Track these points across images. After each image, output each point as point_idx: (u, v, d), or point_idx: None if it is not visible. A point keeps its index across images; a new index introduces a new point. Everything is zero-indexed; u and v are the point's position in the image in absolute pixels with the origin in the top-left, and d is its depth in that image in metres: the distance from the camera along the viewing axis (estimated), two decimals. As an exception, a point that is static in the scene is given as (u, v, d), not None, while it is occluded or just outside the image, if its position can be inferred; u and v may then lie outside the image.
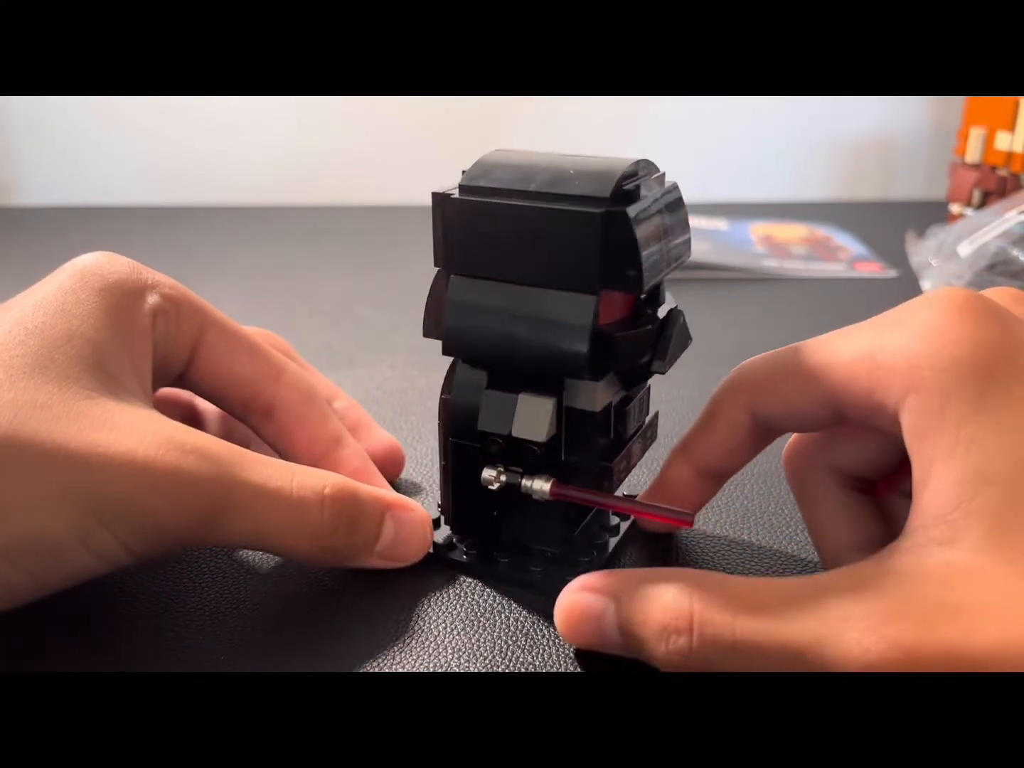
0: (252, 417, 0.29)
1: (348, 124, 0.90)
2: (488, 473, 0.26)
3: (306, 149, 0.90)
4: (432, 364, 0.46)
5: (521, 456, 0.26)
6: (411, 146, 0.89)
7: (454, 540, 0.29)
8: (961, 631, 0.17)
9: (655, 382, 0.44)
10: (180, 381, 0.28)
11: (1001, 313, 0.20)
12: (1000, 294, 0.23)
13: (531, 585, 0.27)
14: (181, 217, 0.81)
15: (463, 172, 0.25)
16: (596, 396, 0.25)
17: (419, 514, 0.27)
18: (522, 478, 0.26)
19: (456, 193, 0.25)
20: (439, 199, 0.25)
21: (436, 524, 0.29)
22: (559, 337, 0.24)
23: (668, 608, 0.21)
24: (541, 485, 0.26)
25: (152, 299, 0.26)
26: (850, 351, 0.22)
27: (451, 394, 0.27)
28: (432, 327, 0.27)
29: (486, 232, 0.24)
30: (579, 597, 0.23)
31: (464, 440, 0.27)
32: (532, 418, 0.25)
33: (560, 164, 0.25)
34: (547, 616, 0.26)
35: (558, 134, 0.89)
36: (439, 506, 0.29)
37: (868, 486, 0.26)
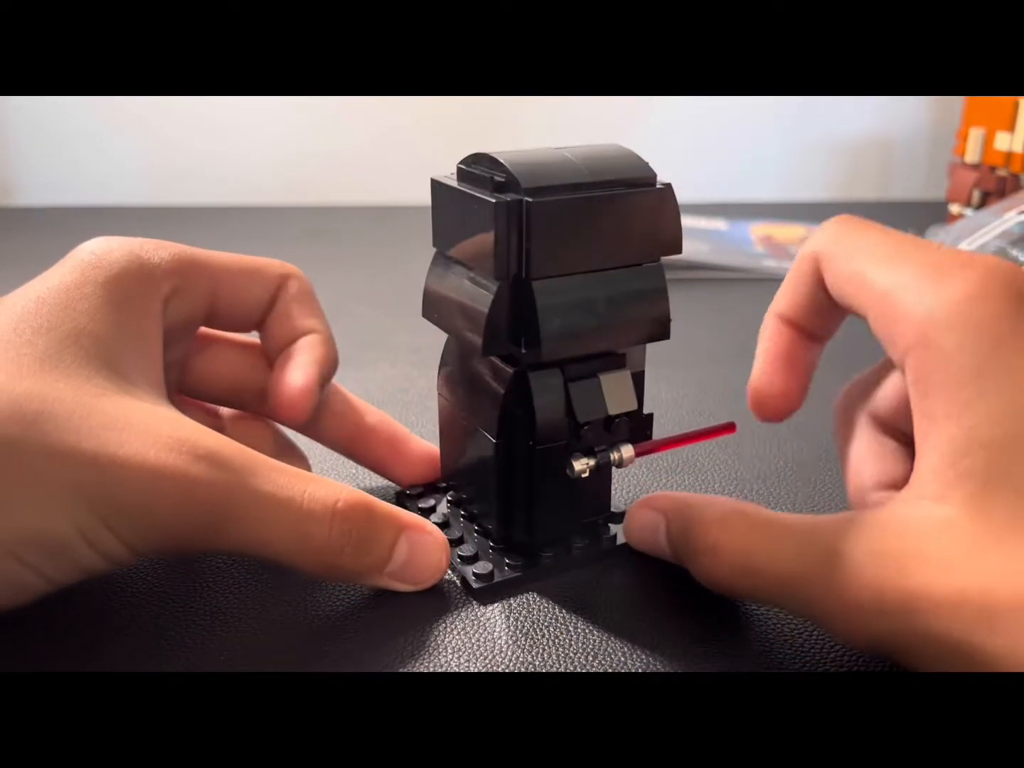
0: (262, 329, 0.30)
1: (348, 124, 0.90)
2: (580, 464, 0.27)
3: (306, 149, 0.91)
4: (432, 364, 0.46)
5: (599, 435, 0.27)
6: (411, 146, 0.89)
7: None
8: (926, 580, 0.18)
9: (657, 382, 0.44)
10: (203, 336, 0.29)
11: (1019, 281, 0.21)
12: None
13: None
14: (181, 217, 0.81)
15: (495, 179, 0.24)
16: (644, 356, 0.28)
17: (436, 537, 0.26)
18: (611, 453, 0.27)
19: (528, 197, 0.24)
20: (510, 206, 0.24)
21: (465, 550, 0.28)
22: (646, 308, 0.26)
23: (696, 533, 0.24)
24: (628, 451, 0.27)
25: (160, 284, 0.26)
26: (884, 280, 0.22)
27: (536, 402, 0.26)
28: (494, 343, 0.25)
29: (567, 229, 0.25)
30: (639, 512, 0.27)
31: (552, 443, 0.26)
32: (621, 393, 0.27)
33: (577, 155, 0.26)
34: (547, 616, 0.26)
35: (558, 134, 0.89)
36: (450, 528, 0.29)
37: (900, 434, 0.26)
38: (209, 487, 0.22)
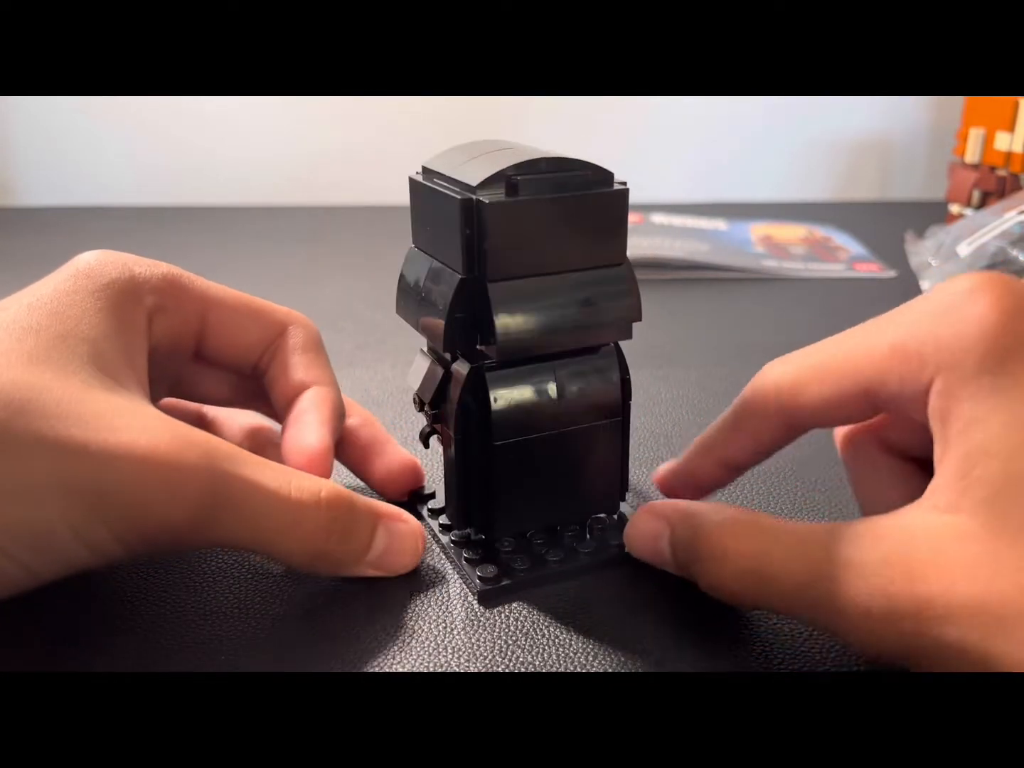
0: (262, 377, 0.29)
1: (348, 124, 0.90)
2: None
3: (306, 149, 0.91)
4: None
5: None
6: (411, 146, 0.89)
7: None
8: (941, 587, 0.18)
9: (656, 382, 0.44)
10: (196, 358, 0.29)
11: (1022, 293, 0.21)
12: None
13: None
14: (181, 217, 0.81)
15: (588, 177, 0.25)
16: None
17: (411, 525, 0.27)
18: None
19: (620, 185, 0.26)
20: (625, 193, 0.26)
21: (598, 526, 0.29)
22: None
23: (705, 537, 0.23)
24: None
25: (147, 298, 0.26)
26: (882, 344, 0.23)
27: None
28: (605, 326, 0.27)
29: None
30: (642, 520, 0.26)
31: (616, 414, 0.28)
32: None
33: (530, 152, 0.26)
34: (547, 616, 0.26)
35: (558, 133, 0.89)
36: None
37: (917, 459, 0.26)
38: (201, 473, 0.22)
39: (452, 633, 0.25)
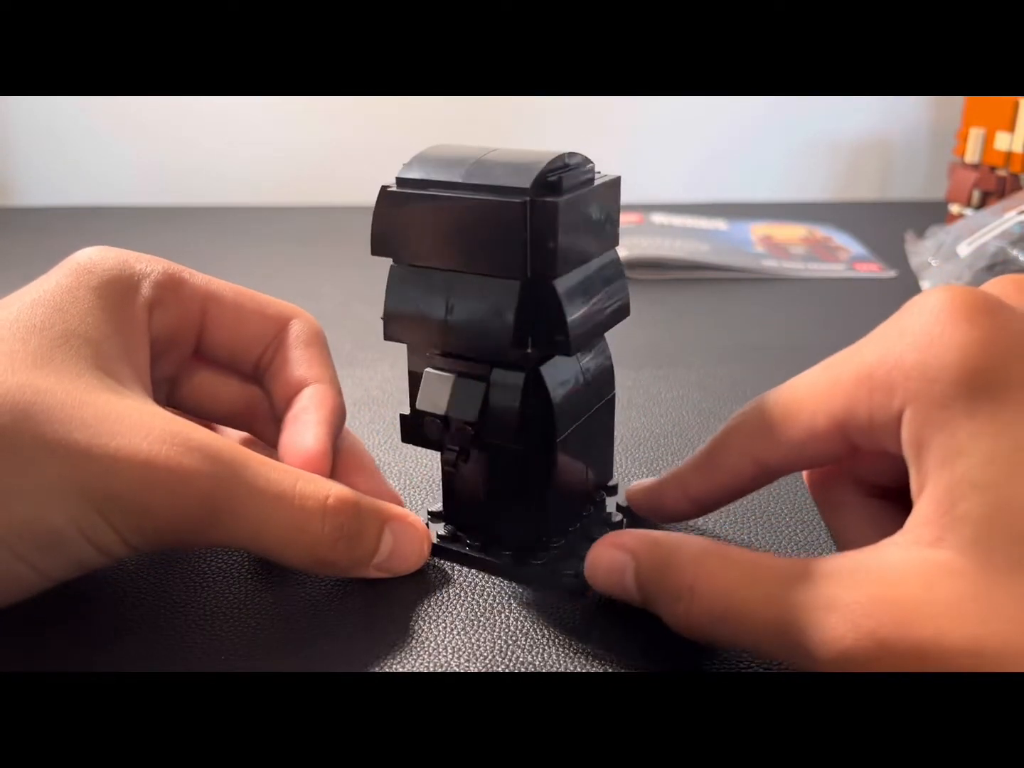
0: (263, 375, 0.29)
1: (347, 124, 0.90)
2: None
3: (306, 149, 0.91)
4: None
5: None
6: (410, 146, 0.89)
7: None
8: (936, 630, 0.17)
9: (657, 382, 0.44)
10: (196, 356, 0.29)
11: (994, 308, 0.20)
12: (1001, 283, 0.23)
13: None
14: (181, 217, 0.81)
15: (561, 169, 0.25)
16: None
17: (417, 528, 0.27)
18: None
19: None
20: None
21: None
22: None
23: (672, 574, 0.22)
24: None
25: (146, 292, 0.26)
26: (849, 374, 0.22)
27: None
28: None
29: None
30: (605, 551, 0.24)
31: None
32: None
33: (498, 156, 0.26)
34: (547, 616, 0.26)
35: (558, 133, 0.89)
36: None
37: (891, 492, 0.25)
38: (202, 479, 0.22)
39: (452, 633, 0.25)
